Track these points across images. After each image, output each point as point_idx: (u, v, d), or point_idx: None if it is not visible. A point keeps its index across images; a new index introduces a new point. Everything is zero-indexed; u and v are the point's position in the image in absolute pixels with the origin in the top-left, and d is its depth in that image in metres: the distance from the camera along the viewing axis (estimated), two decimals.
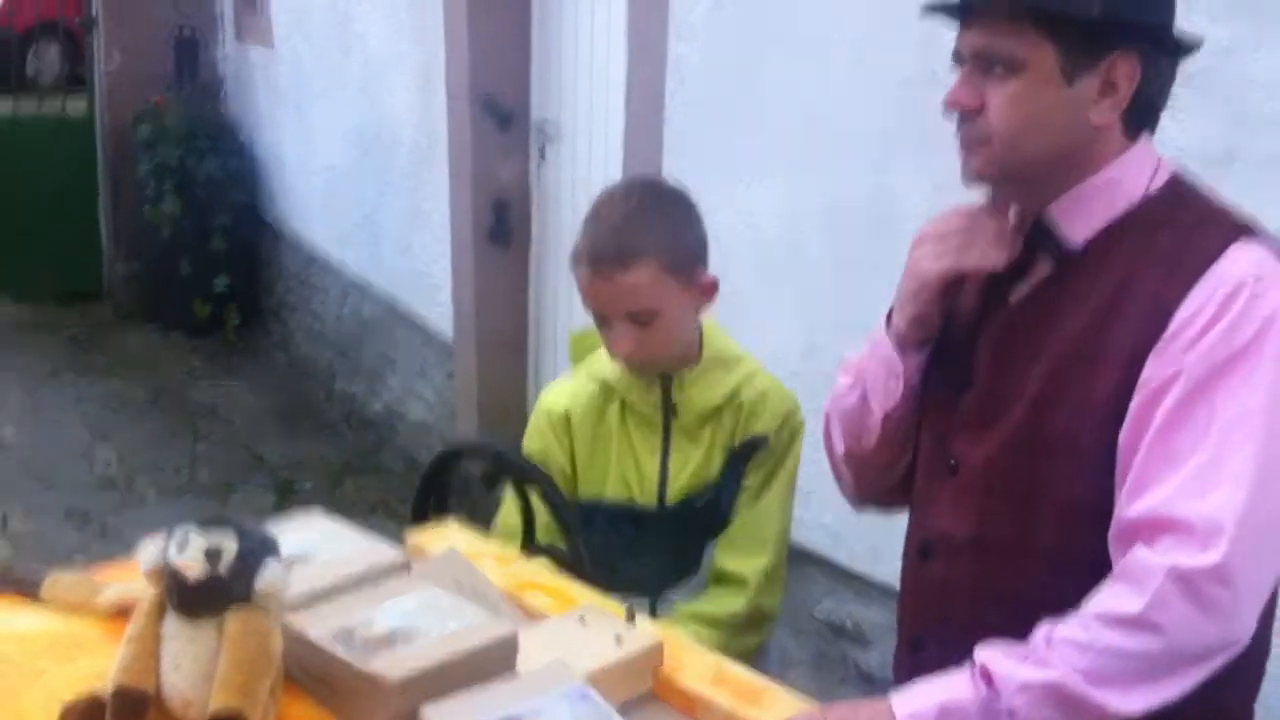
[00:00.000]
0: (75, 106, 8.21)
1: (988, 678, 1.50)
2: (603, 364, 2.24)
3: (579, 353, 2.36)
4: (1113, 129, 1.63)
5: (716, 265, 3.16)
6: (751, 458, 2.19)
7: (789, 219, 3.30)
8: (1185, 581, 1.44)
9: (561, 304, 4.91)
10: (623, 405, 2.23)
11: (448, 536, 1.94)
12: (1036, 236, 1.67)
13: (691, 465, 2.19)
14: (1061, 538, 1.62)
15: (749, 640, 2.18)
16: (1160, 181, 1.66)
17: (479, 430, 5.02)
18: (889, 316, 1.81)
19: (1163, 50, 1.64)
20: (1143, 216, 1.63)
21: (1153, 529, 1.49)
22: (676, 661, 1.61)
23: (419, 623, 1.44)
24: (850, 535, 3.19)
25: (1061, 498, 1.62)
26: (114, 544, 4.51)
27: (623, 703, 1.49)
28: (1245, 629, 1.48)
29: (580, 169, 4.63)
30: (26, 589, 1.68)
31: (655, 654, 1.59)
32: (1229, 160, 2.30)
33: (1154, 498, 1.50)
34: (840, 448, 1.93)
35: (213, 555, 1.36)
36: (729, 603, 2.16)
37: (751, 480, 2.20)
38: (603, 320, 2.13)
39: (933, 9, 1.69)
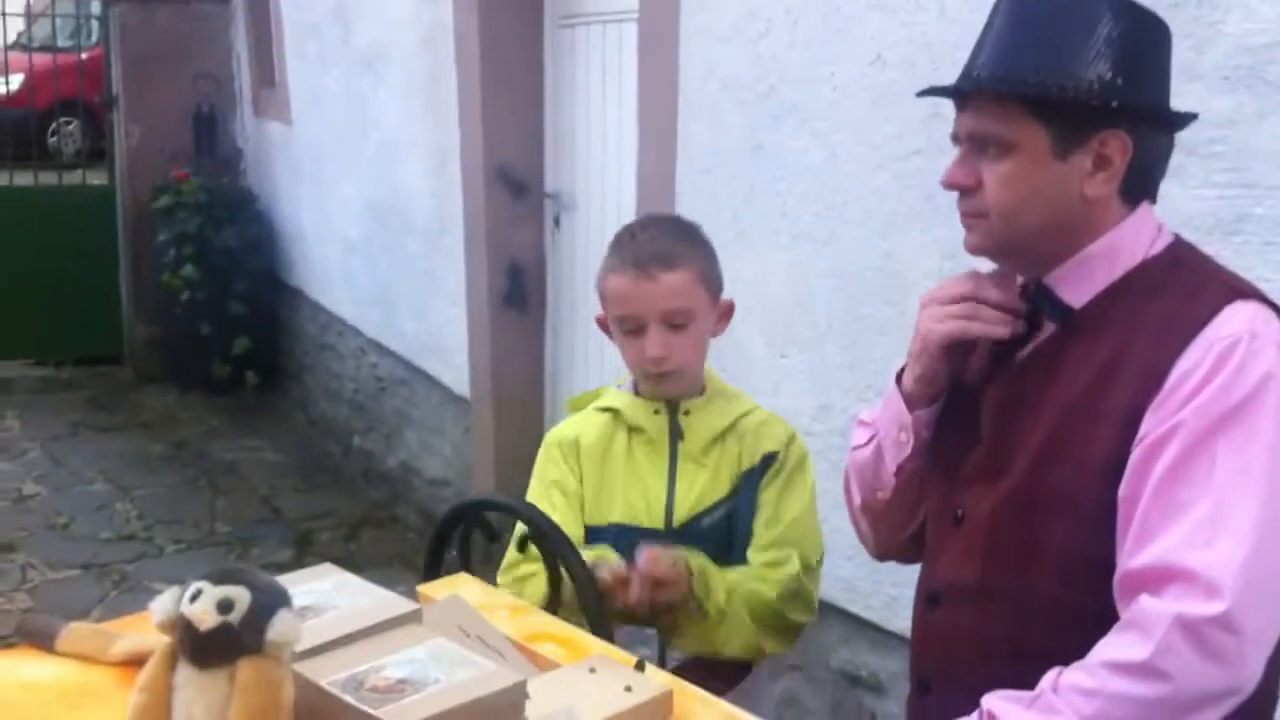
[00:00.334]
0: (96, 179, 8.34)
1: None
2: (611, 396, 2.34)
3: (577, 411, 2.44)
4: (1110, 200, 1.66)
5: (729, 330, 3.22)
6: (764, 475, 2.23)
7: (798, 286, 3.34)
8: (1191, 629, 1.45)
9: (577, 364, 4.95)
10: (630, 432, 2.29)
11: (460, 589, 1.95)
12: (1038, 299, 1.70)
13: (698, 487, 2.24)
14: (1061, 590, 1.64)
15: (798, 614, 2.20)
16: (1160, 247, 1.69)
17: (495, 487, 5.04)
18: (900, 374, 1.85)
19: (1156, 125, 1.67)
20: (1142, 280, 1.66)
21: (1158, 579, 1.50)
22: (686, 710, 1.61)
23: (429, 671, 1.45)
24: (866, 586, 3.20)
25: (1060, 551, 1.64)
26: (133, 596, 4.55)
27: None
28: (1251, 676, 1.48)
29: (595, 236, 4.68)
30: (42, 641, 1.70)
31: (665, 703, 1.59)
32: (1238, 227, 2.32)
33: (1158, 548, 1.51)
34: (857, 500, 1.99)
35: (225, 605, 1.37)
36: (781, 570, 2.18)
37: (766, 496, 2.23)
38: (637, 328, 2.21)
39: (927, 93, 1.75)
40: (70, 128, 11.38)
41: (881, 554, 2.08)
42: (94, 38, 8.69)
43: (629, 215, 4.15)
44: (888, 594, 3.13)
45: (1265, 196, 2.29)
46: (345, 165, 6.37)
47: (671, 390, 2.26)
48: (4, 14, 7.63)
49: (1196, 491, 1.51)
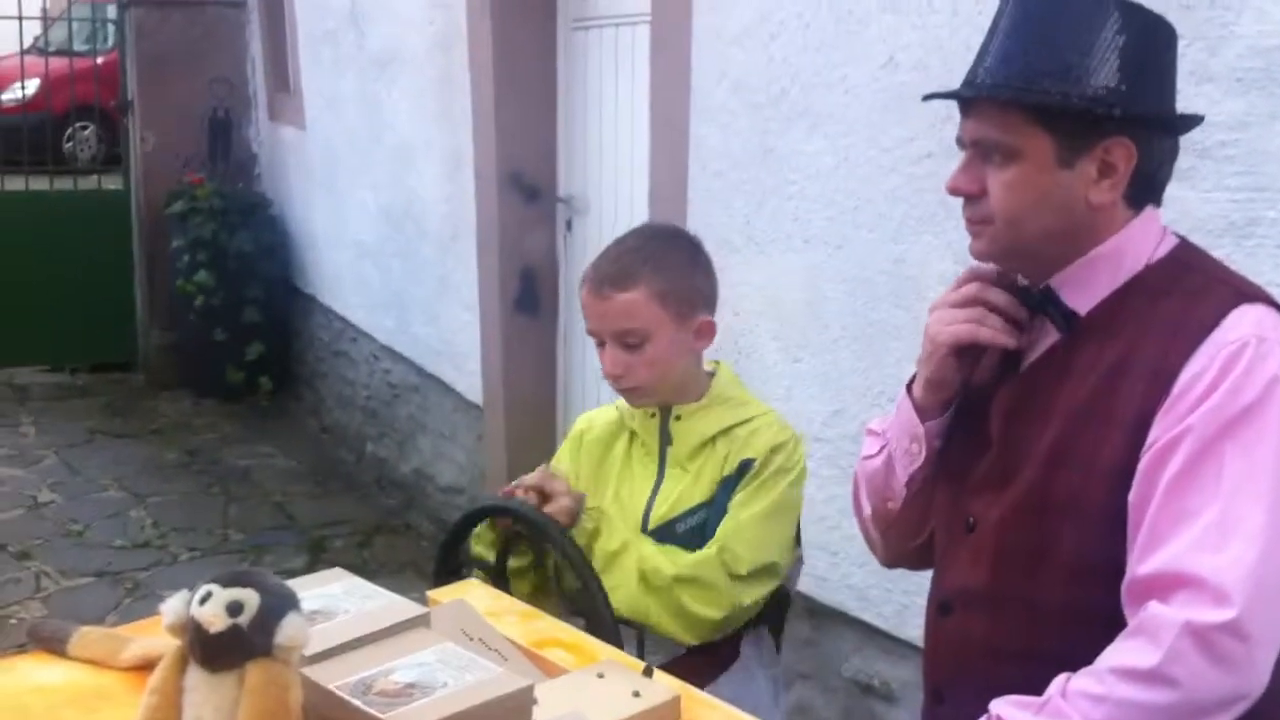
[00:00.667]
0: (111, 184, 8.37)
1: None
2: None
3: None
4: (1115, 206, 1.66)
5: (741, 335, 3.21)
6: (739, 481, 2.21)
7: (810, 290, 3.33)
8: (1200, 636, 1.45)
9: (590, 369, 4.94)
10: (631, 435, 2.31)
11: (469, 594, 1.95)
12: (1043, 305, 1.70)
13: (676, 492, 2.24)
14: (1071, 596, 1.64)
15: (694, 604, 2.12)
16: (1165, 250, 1.68)
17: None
18: (910, 383, 1.85)
19: (1161, 130, 1.67)
20: (1146, 284, 1.66)
21: (1167, 585, 1.49)
22: (694, 716, 1.61)
23: (437, 675, 1.45)
24: (877, 595, 3.19)
25: (1070, 556, 1.63)
26: (147, 604, 4.56)
27: None
28: (1260, 681, 1.48)
29: (607, 240, 4.64)
30: (54, 645, 1.70)
31: (673, 708, 1.59)
32: (1250, 230, 2.31)
33: (1166, 554, 1.51)
34: (867, 509, 1.98)
35: (234, 608, 1.37)
36: (692, 555, 2.16)
37: (735, 499, 2.20)
38: (599, 342, 2.24)
39: (932, 97, 1.76)
40: (86, 133, 11.45)
41: (890, 562, 2.07)
42: (110, 42, 8.73)
43: (641, 219, 4.16)
44: (899, 602, 3.12)
45: (1278, 199, 2.29)
46: (359, 170, 6.38)
47: (638, 402, 2.27)
48: (21, 18, 7.65)
49: (1205, 497, 1.50)
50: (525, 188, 4.95)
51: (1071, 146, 1.61)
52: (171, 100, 7.72)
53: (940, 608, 1.84)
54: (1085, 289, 1.67)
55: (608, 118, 4.64)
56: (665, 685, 1.63)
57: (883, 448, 1.91)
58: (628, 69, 4.44)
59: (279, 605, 1.40)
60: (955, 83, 1.73)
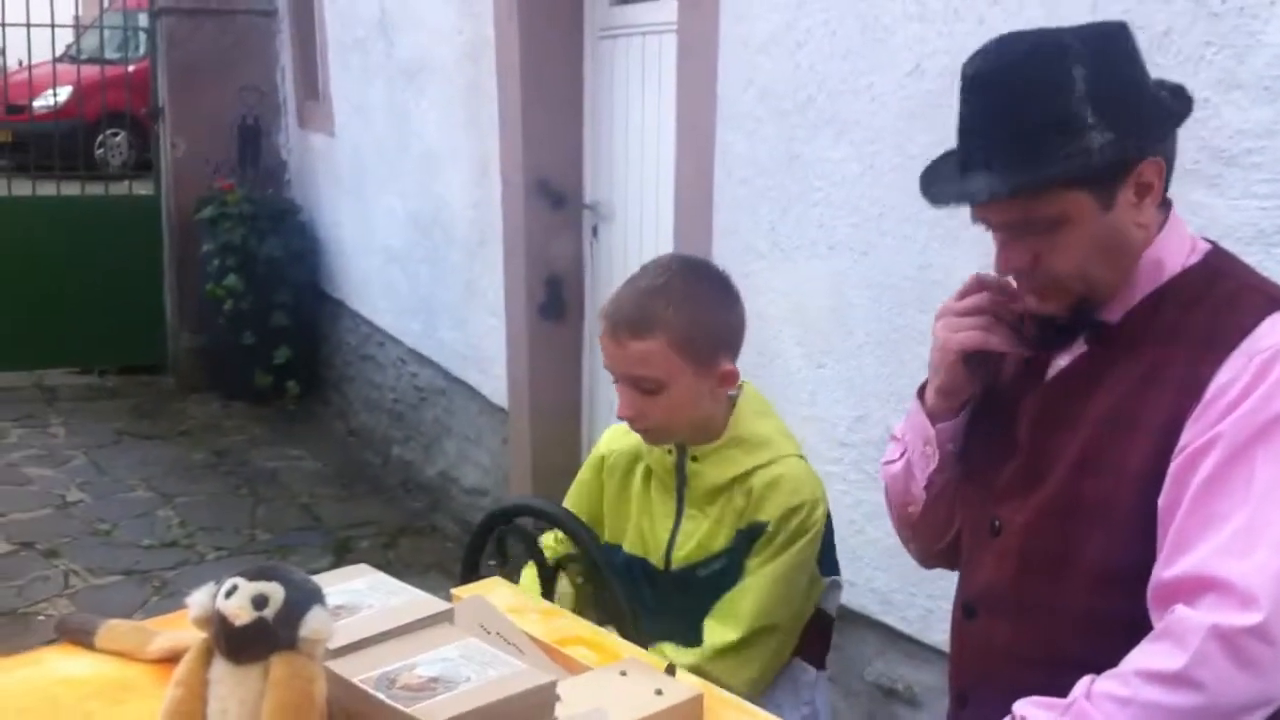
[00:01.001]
0: (142, 190, 8.44)
1: None
2: None
3: None
4: (1154, 217, 1.66)
5: (765, 341, 3.20)
6: (754, 543, 2.16)
7: (835, 297, 3.33)
8: (1227, 640, 1.44)
9: None
10: (648, 469, 2.28)
11: (493, 592, 1.96)
12: (1075, 314, 1.69)
13: (698, 536, 2.19)
14: (1096, 600, 1.64)
15: (727, 678, 2.08)
16: (1198, 257, 1.68)
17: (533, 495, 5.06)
18: (922, 387, 1.86)
19: (1172, 127, 1.66)
20: (1180, 290, 1.65)
21: (1193, 589, 1.49)
22: (716, 714, 1.62)
23: (461, 670, 1.46)
24: (900, 599, 3.19)
25: (1095, 561, 1.64)
26: (174, 602, 4.56)
27: None
28: None
29: (633, 246, 4.70)
30: (82, 638, 1.72)
31: (695, 707, 1.60)
32: (1279, 236, 2.30)
33: (1193, 558, 1.50)
34: (895, 513, 2.01)
35: (259, 602, 1.38)
36: (680, 653, 2.11)
37: (751, 563, 2.15)
38: (616, 379, 2.17)
39: (941, 200, 1.73)
40: (117, 139, 11.53)
41: (924, 563, 2.10)
42: (141, 50, 8.80)
43: (667, 226, 4.17)
44: (923, 606, 3.12)
45: None
46: (387, 177, 6.42)
47: (654, 443, 2.21)
48: (54, 26, 7.72)
49: (1234, 502, 1.50)
50: (552, 194, 4.97)
51: (1108, 189, 1.60)
52: (202, 107, 7.78)
53: (965, 610, 1.84)
54: (1120, 299, 1.67)
55: (634, 125, 4.66)
56: (688, 684, 1.64)
57: (903, 453, 1.93)
58: (654, 77, 4.45)
59: (304, 599, 1.41)
60: None
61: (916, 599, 3.13)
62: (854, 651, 3.37)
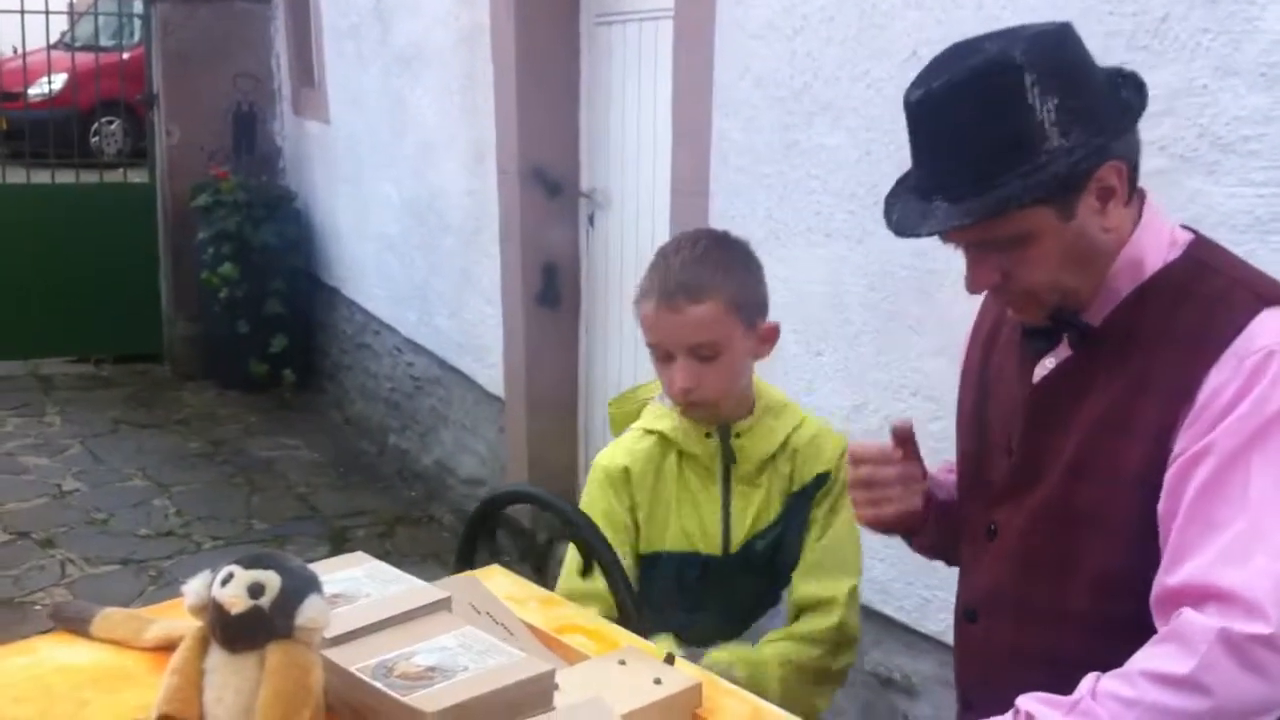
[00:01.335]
0: (136, 177, 8.42)
1: None
2: (658, 417, 2.27)
3: (620, 421, 2.41)
4: (1122, 217, 1.64)
5: None
6: (816, 494, 2.22)
7: (832, 284, 3.33)
8: (1235, 645, 1.44)
9: (611, 362, 4.96)
10: (680, 456, 2.25)
11: (490, 580, 1.96)
12: (1058, 319, 1.68)
13: (753, 510, 2.23)
14: (1095, 604, 1.64)
15: (844, 659, 2.22)
16: (1179, 249, 1.66)
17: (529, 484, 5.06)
18: None
19: (1129, 125, 1.63)
20: (1163, 288, 1.63)
21: (1196, 597, 1.49)
22: (715, 704, 1.61)
23: (458, 659, 1.46)
24: (899, 589, 3.19)
25: (1094, 564, 1.64)
26: (170, 591, 4.57)
27: None
28: None
29: (629, 234, 4.69)
30: (77, 626, 1.72)
31: (694, 695, 1.59)
32: (1276, 226, 2.29)
33: (1194, 566, 1.50)
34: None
35: (255, 590, 1.38)
36: (823, 620, 2.19)
37: (817, 513, 2.23)
38: (665, 356, 2.16)
39: (904, 232, 1.70)
40: (112, 127, 11.50)
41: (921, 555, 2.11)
42: (135, 37, 8.77)
43: (663, 213, 4.16)
44: (921, 596, 3.12)
45: None
46: (382, 164, 6.40)
47: (704, 418, 2.21)
48: (48, 13, 7.69)
49: (1232, 510, 1.49)
50: (548, 182, 4.96)
51: (1068, 200, 1.58)
52: (197, 95, 7.77)
53: (966, 614, 1.85)
54: (1102, 301, 1.66)
55: (630, 112, 4.65)
56: (686, 673, 1.63)
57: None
58: (650, 64, 4.44)
59: (300, 587, 1.41)
60: None
61: (914, 588, 3.13)
62: None
